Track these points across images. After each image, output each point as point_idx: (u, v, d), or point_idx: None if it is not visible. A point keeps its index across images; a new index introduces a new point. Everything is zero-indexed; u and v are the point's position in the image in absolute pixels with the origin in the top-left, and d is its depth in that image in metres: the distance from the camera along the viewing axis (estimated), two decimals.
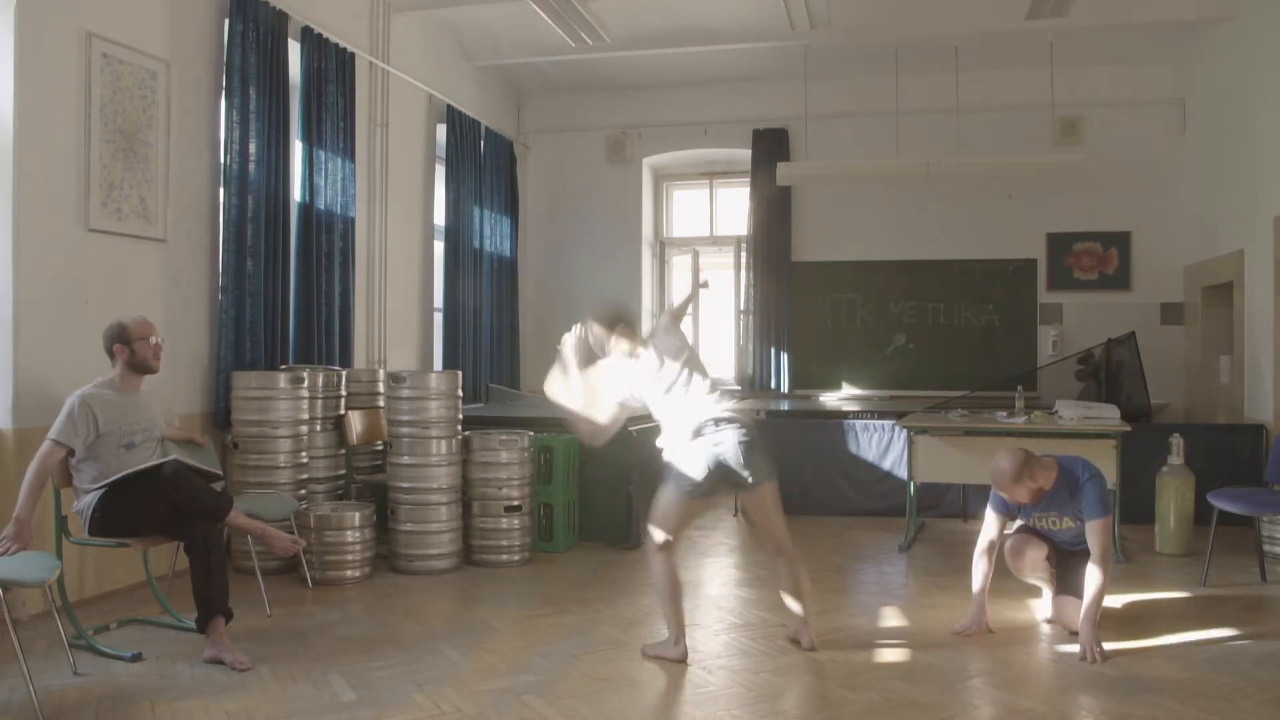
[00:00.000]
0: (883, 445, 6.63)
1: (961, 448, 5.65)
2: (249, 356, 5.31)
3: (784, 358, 8.69)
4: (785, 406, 7.55)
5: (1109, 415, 5.50)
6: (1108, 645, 3.68)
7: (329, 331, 6.04)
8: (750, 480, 3.60)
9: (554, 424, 5.93)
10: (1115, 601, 4.49)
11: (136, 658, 3.58)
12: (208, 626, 3.58)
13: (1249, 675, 3.44)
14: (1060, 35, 7.32)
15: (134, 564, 4.31)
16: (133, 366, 3.82)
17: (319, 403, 5.39)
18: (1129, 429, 5.40)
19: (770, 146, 8.71)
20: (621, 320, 3.85)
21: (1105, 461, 5.38)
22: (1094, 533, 3.78)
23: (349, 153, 6.24)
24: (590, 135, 9.25)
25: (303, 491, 5.13)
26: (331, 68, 6.06)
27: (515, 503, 5.25)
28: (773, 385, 8.72)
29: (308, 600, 4.51)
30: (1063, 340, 8.22)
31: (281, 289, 5.62)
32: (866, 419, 6.78)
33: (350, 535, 4.84)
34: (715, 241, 9.48)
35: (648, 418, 3.91)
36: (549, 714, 3.08)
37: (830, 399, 8.53)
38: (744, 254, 8.97)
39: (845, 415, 6.94)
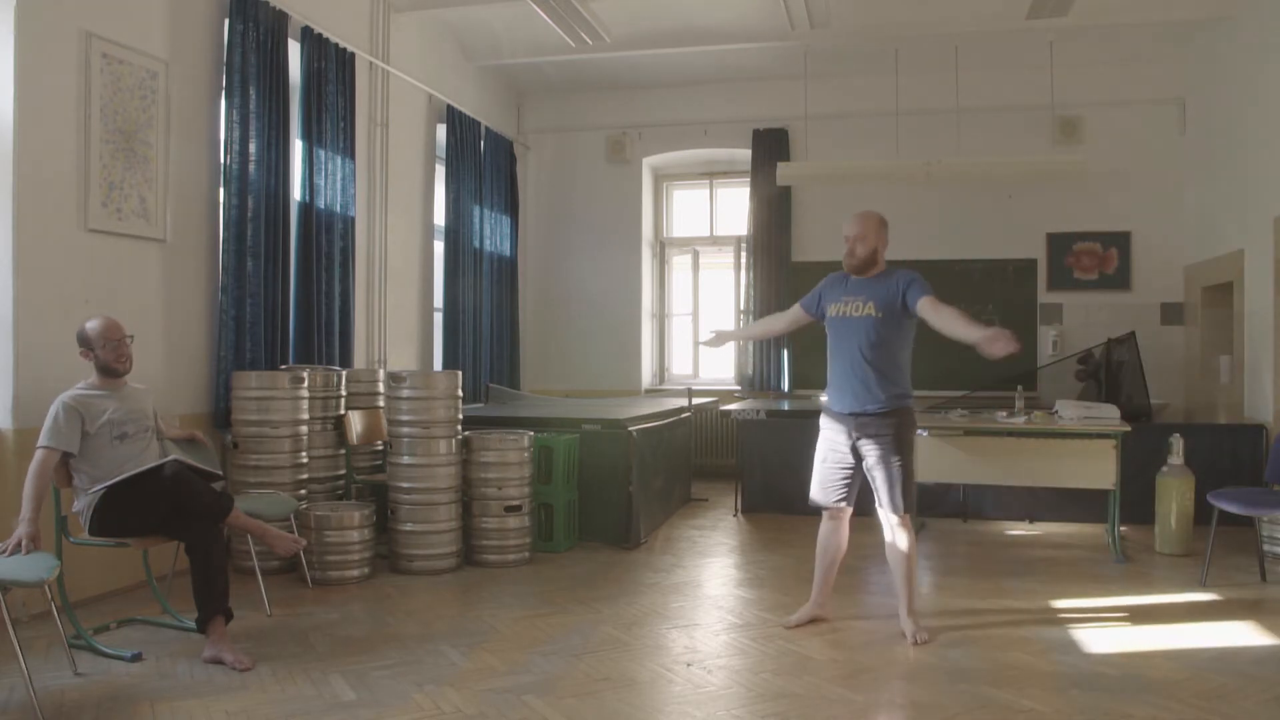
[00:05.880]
0: None
1: (961, 448, 5.66)
2: (249, 356, 5.32)
3: (784, 357, 8.70)
4: (785, 406, 7.54)
5: (1109, 415, 5.50)
6: (1107, 649, 3.69)
7: (329, 331, 6.05)
8: None
9: (554, 424, 5.95)
10: (1116, 601, 4.50)
11: (136, 658, 3.58)
12: (208, 626, 3.59)
13: (1249, 675, 3.45)
14: (1060, 35, 7.33)
15: (134, 564, 4.31)
16: (100, 370, 3.81)
17: (319, 403, 5.39)
18: (1129, 429, 5.40)
19: (770, 146, 8.72)
20: None
21: (1105, 462, 5.40)
22: (931, 307, 3.94)
23: (349, 152, 6.24)
24: (590, 135, 9.26)
25: (303, 491, 5.13)
26: (331, 68, 6.07)
27: (515, 503, 5.25)
28: (773, 385, 8.73)
29: (308, 600, 4.51)
30: (1063, 340, 8.22)
31: (281, 289, 5.62)
32: None
33: (350, 535, 4.85)
34: (715, 241, 9.49)
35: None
36: (549, 714, 3.08)
37: None
38: (744, 254, 8.97)
39: None
